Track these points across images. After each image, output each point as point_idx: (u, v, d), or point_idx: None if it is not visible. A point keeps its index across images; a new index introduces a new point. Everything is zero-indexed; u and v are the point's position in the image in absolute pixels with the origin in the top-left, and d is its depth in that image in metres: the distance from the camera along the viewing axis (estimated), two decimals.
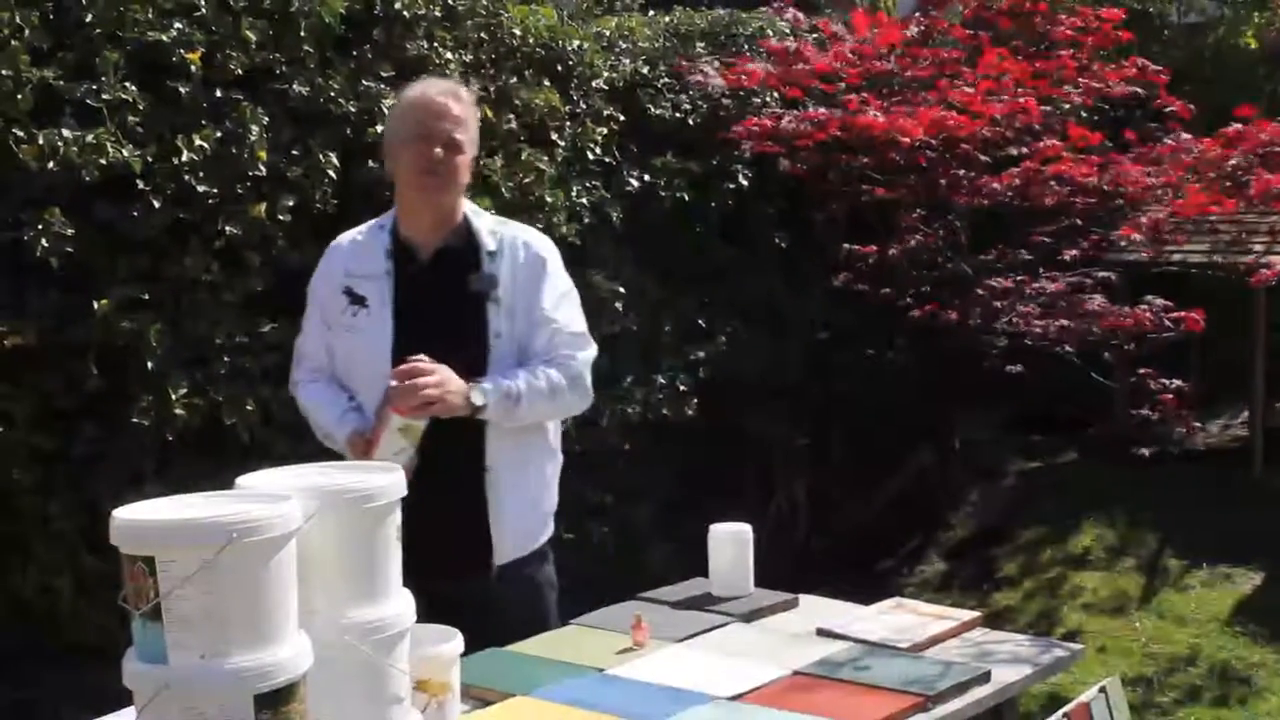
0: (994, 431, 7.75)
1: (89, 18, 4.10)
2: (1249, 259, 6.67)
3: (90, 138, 3.99)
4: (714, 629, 3.06)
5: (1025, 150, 6.40)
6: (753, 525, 3.34)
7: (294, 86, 4.52)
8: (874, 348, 6.95)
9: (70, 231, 3.94)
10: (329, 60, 4.65)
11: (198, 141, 4.21)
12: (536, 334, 3.20)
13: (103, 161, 4.00)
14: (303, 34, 4.54)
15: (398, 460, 2.86)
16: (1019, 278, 6.40)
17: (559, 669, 2.80)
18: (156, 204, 4.16)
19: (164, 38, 4.21)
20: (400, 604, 2.19)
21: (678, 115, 6.05)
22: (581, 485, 5.56)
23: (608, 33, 6.13)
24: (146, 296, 4.16)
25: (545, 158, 5.37)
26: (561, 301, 3.26)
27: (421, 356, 3.01)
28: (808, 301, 6.61)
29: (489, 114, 5.19)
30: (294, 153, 4.49)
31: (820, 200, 6.64)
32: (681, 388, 5.91)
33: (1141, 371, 6.14)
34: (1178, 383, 6.08)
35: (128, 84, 4.12)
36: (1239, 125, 6.19)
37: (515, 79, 5.37)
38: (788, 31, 6.84)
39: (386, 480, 2.16)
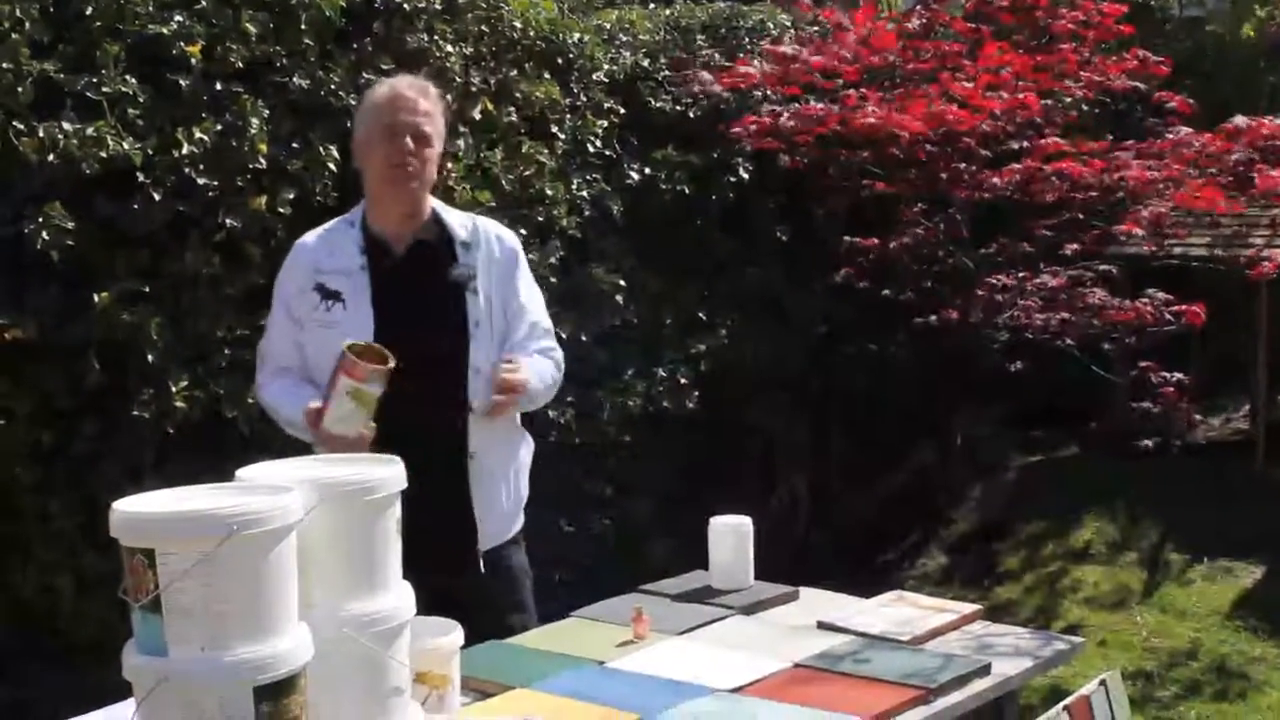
0: (995, 425, 7.74)
1: (89, 11, 4.10)
2: (1249, 252, 6.66)
3: (90, 131, 3.98)
4: (714, 622, 3.07)
5: (1026, 145, 6.39)
6: (753, 518, 3.34)
7: (294, 79, 4.51)
8: (875, 341, 6.94)
9: (71, 225, 3.93)
10: (329, 53, 4.64)
11: (198, 134, 4.20)
12: (516, 325, 3.30)
13: (103, 155, 4.00)
14: (303, 27, 4.53)
15: (346, 426, 2.88)
16: (1020, 274, 6.39)
17: (559, 661, 2.80)
18: (157, 197, 4.15)
19: (164, 30, 4.20)
20: (400, 596, 2.19)
21: (678, 108, 6.05)
22: (582, 477, 5.57)
23: (608, 26, 6.13)
24: (147, 290, 4.15)
25: (546, 150, 5.37)
26: (534, 295, 3.39)
27: (516, 365, 3.15)
28: (809, 295, 6.60)
29: (489, 107, 5.19)
30: (294, 146, 4.48)
31: (820, 195, 6.64)
32: (682, 380, 5.91)
33: (1142, 365, 6.13)
34: (1179, 376, 6.08)
35: (128, 77, 4.11)
36: (1240, 120, 6.18)
37: (516, 72, 5.37)
38: (788, 24, 6.83)
39: (386, 473, 2.17)
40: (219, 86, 4.31)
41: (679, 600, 3.23)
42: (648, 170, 5.88)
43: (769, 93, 6.41)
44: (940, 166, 6.45)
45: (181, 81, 4.23)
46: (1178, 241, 6.88)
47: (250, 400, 4.28)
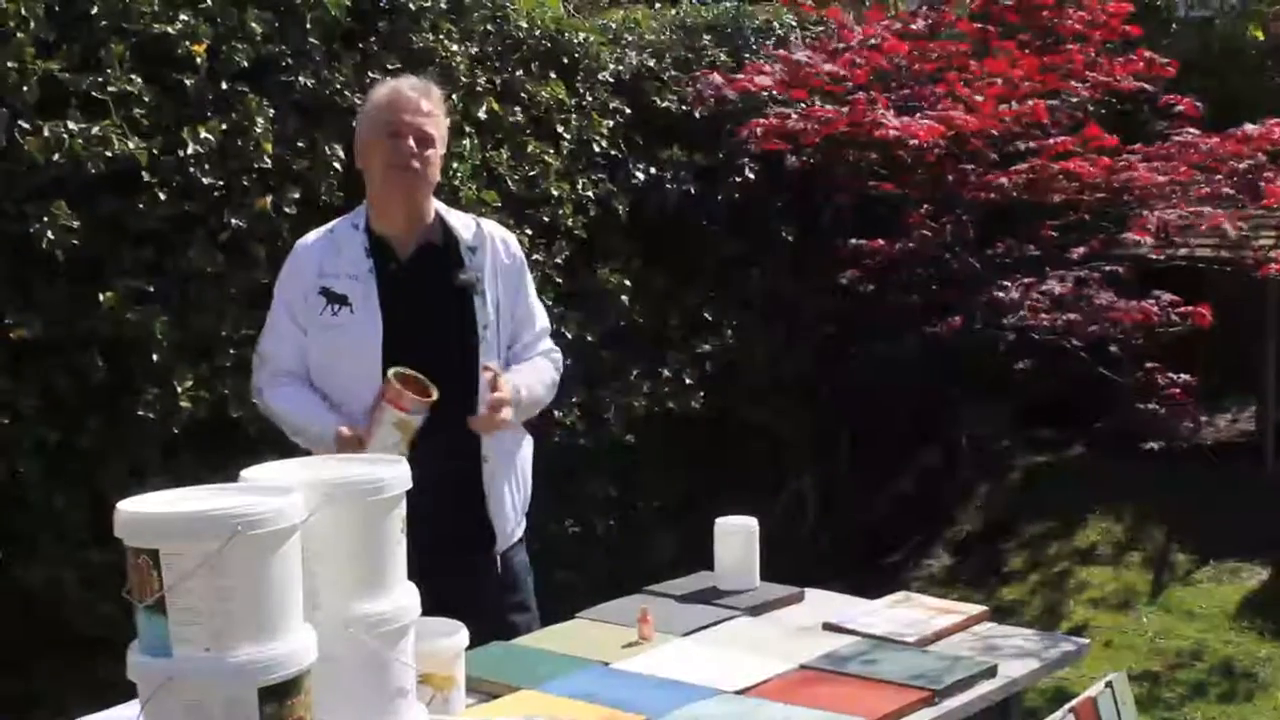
0: (1001, 425, 7.74)
1: (94, 10, 4.09)
2: (1256, 252, 6.65)
3: (96, 130, 3.98)
4: (720, 623, 3.06)
5: (1033, 145, 6.37)
6: (759, 518, 3.33)
7: (300, 79, 4.51)
8: (881, 341, 6.93)
9: (76, 224, 3.93)
10: (335, 52, 4.64)
11: (203, 134, 4.20)
12: (523, 330, 3.30)
13: (108, 154, 4.00)
14: (308, 26, 4.53)
15: (386, 454, 2.86)
16: (1027, 280, 6.37)
17: (565, 662, 2.80)
18: (162, 196, 4.15)
19: (170, 30, 4.20)
20: (405, 597, 2.18)
21: (684, 108, 6.04)
22: (587, 478, 5.56)
23: (614, 25, 6.12)
24: (152, 289, 4.16)
25: (551, 150, 5.37)
26: (537, 298, 3.41)
27: (505, 380, 3.11)
28: (815, 295, 6.59)
29: (495, 106, 5.19)
30: (300, 145, 4.49)
31: (827, 195, 6.62)
32: (687, 380, 5.91)
33: (1149, 366, 6.12)
34: (1185, 377, 6.06)
35: (133, 76, 4.11)
36: (1249, 128, 6.15)
37: (521, 71, 5.36)
38: (794, 24, 6.81)
39: (392, 473, 2.16)
40: (224, 86, 4.31)
41: (685, 601, 3.22)
42: (653, 170, 5.87)
43: (775, 94, 6.40)
44: (947, 168, 6.43)
45: (187, 81, 4.23)
46: (1183, 242, 6.86)
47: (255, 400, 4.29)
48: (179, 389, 4.17)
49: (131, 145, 4.04)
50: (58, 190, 3.95)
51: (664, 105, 6.01)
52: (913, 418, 7.10)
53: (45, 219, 3.89)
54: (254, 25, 4.37)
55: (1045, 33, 6.65)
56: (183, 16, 4.24)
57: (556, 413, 5.08)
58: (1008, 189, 6.29)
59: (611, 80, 5.78)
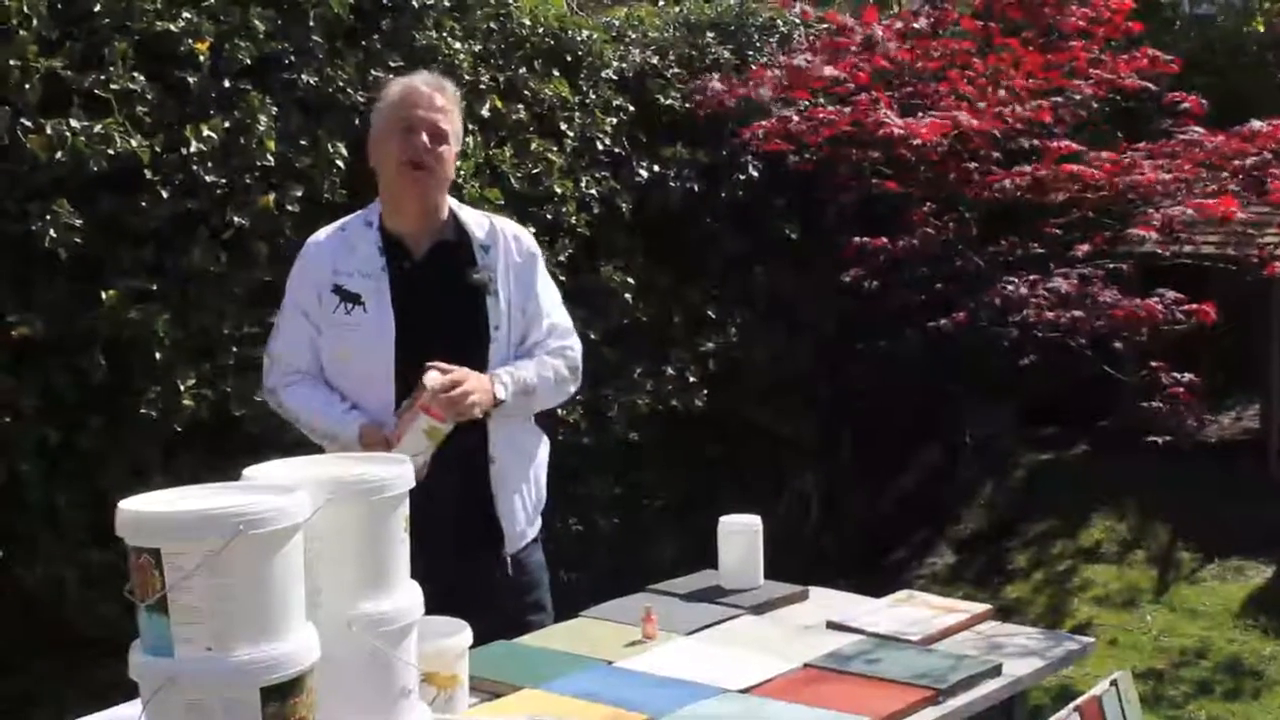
0: (1004, 424, 7.73)
1: (97, 8, 4.09)
2: (1261, 250, 6.63)
3: (98, 128, 3.98)
4: (724, 621, 3.06)
5: (1036, 144, 6.36)
6: (762, 517, 3.33)
7: (302, 76, 4.51)
8: (884, 340, 6.92)
9: (78, 223, 3.93)
10: (338, 50, 4.63)
11: (206, 132, 4.20)
12: (535, 326, 3.25)
13: (111, 152, 3.99)
14: (311, 24, 4.53)
15: (415, 462, 2.85)
16: (1031, 278, 6.35)
17: (568, 661, 2.79)
18: (164, 194, 4.15)
19: (172, 27, 4.19)
20: (408, 596, 2.18)
21: (687, 105, 6.03)
22: (590, 476, 5.56)
23: (617, 23, 6.12)
24: (154, 288, 4.15)
25: (555, 148, 5.37)
26: (551, 293, 3.34)
27: (452, 367, 3.00)
28: (818, 293, 6.58)
29: (498, 104, 5.18)
30: (302, 143, 4.48)
31: (830, 194, 6.62)
32: (691, 379, 5.91)
33: (1153, 364, 6.11)
34: (1189, 376, 6.05)
35: (136, 74, 4.11)
36: (1256, 124, 6.14)
37: (524, 69, 5.36)
38: (797, 22, 6.80)
39: (394, 471, 2.16)
40: (227, 84, 4.31)
41: (688, 600, 3.21)
42: (657, 168, 5.86)
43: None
44: (950, 166, 6.42)
45: (189, 79, 4.22)
46: (1188, 238, 6.85)
47: (258, 399, 4.28)
48: (181, 388, 4.16)
49: (134, 143, 4.04)
50: (60, 189, 3.94)
51: (667, 103, 6.00)
52: (916, 416, 7.10)
53: (47, 217, 3.89)
54: (257, 23, 4.36)
55: (1048, 30, 6.64)
56: (185, 14, 4.23)
57: (559, 410, 5.07)
58: (1010, 190, 6.28)
59: (615, 78, 5.77)
